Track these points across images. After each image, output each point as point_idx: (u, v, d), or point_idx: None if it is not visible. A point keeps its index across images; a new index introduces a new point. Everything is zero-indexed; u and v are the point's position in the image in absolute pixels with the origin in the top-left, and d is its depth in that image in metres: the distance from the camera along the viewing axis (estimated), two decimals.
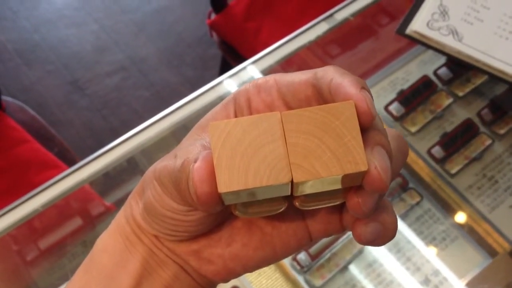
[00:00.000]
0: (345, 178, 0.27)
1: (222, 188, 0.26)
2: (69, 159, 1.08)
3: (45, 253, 0.71)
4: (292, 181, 0.27)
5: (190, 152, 0.29)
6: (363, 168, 0.27)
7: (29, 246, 0.72)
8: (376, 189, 0.27)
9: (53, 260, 0.71)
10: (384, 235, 0.30)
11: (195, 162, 0.28)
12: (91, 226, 0.74)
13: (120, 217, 0.34)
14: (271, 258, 0.33)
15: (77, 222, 0.73)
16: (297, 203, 0.30)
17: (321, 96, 0.29)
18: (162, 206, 0.30)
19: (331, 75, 0.28)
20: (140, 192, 0.33)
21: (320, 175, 0.27)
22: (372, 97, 0.28)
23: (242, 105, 0.31)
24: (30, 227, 0.72)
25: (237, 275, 0.33)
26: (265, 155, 0.27)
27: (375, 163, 0.27)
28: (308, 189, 0.28)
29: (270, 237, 0.32)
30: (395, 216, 0.31)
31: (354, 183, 0.28)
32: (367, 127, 0.28)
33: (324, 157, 0.27)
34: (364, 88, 0.28)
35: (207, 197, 0.27)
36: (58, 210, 0.73)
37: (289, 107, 0.30)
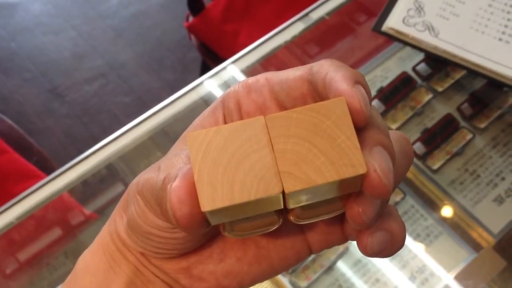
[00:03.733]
0: (343, 184, 0.24)
1: (206, 207, 0.24)
2: (49, 168, 1.07)
3: (25, 265, 0.70)
4: (283, 192, 0.24)
5: (173, 164, 0.27)
6: (361, 170, 0.24)
7: (8, 258, 0.70)
8: (377, 195, 0.24)
9: (34, 272, 0.70)
10: (392, 245, 0.28)
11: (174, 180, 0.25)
12: (71, 236, 0.72)
13: (104, 233, 0.32)
14: (268, 273, 0.30)
15: (57, 232, 0.72)
16: (291, 218, 0.27)
17: (317, 93, 0.26)
18: (146, 223, 0.28)
19: (327, 69, 0.26)
20: (125, 206, 0.30)
21: (314, 182, 0.24)
22: (369, 92, 0.26)
23: (232, 109, 0.28)
24: (8, 239, 0.71)
25: None
26: (251, 165, 0.24)
27: (375, 165, 0.24)
28: (302, 200, 0.25)
29: (266, 251, 0.30)
30: (403, 223, 0.28)
31: (353, 189, 0.25)
32: (361, 126, 0.25)
33: (317, 162, 0.24)
34: (359, 82, 0.25)
35: (188, 219, 0.24)
36: (37, 220, 0.72)
37: (283, 107, 0.28)
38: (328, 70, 0.26)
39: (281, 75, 0.28)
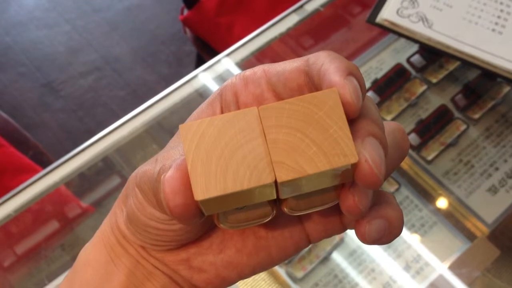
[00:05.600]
0: (335, 173, 0.25)
1: (199, 196, 0.24)
2: (45, 162, 1.07)
3: (22, 258, 0.70)
4: (276, 182, 0.24)
5: (170, 156, 0.27)
6: (352, 160, 0.24)
7: (5, 251, 0.70)
8: (368, 184, 0.24)
9: (31, 265, 0.70)
10: (390, 232, 0.28)
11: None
12: (68, 229, 0.73)
13: (104, 226, 0.32)
14: (267, 263, 0.31)
15: (54, 225, 0.72)
16: (285, 209, 0.27)
17: (313, 84, 0.26)
18: (144, 215, 0.28)
19: (322, 60, 0.26)
20: (125, 199, 0.31)
21: (306, 172, 0.24)
22: (363, 84, 0.26)
23: (229, 101, 0.28)
24: (6, 232, 0.71)
25: (231, 283, 0.31)
26: (244, 155, 0.24)
27: (366, 155, 0.24)
28: (295, 190, 0.25)
29: (265, 241, 0.30)
30: (400, 210, 0.28)
31: (345, 180, 0.25)
32: (353, 117, 0.25)
33: (309, 152, 0.24)
34: (352, 74, 0.25)
35: (182, 209, 0.25)
36: (34, 214, 0.72)
37: (280, 98, 0.28)
38: (324, 61, 0.26)
39: (278, 67, 0.28)
